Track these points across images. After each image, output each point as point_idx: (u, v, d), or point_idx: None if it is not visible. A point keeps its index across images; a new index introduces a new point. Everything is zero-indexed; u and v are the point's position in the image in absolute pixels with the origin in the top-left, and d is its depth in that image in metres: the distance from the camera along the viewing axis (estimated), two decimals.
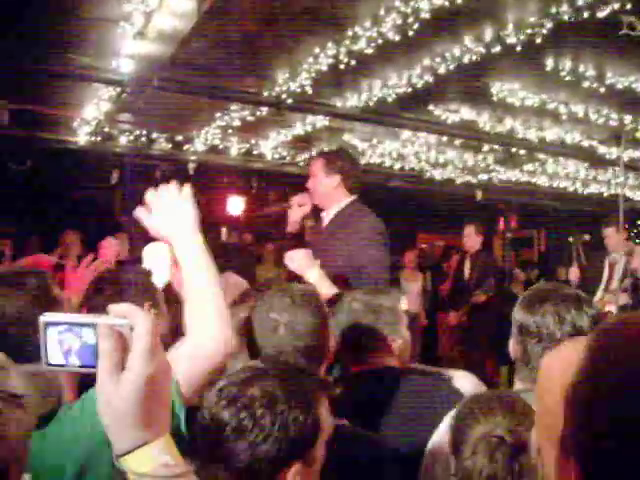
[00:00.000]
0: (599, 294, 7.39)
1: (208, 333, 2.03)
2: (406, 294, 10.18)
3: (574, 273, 8.45)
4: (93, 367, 1.11)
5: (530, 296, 2.57)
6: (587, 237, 8.11)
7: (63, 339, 1.11)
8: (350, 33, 5.35)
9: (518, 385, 2.56)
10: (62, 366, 1.13)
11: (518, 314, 2.53)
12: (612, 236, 7.41)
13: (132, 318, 1.11)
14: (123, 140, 8.69)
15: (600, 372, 1.04)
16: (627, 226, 7.87)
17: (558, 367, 1.82)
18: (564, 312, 2.45)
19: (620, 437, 0.97)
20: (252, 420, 1.63)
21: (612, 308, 6.96)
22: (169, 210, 2.20)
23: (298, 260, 3.58)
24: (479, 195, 11.65)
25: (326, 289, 3.42)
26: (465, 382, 3.15)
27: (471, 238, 8.96)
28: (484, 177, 11.04)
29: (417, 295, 11.04)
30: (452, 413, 2.25)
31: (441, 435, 2.39)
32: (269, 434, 1.63)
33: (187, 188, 2.24)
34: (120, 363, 1.10)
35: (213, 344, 2.02)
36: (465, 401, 2.14)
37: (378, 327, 2.93)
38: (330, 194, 4.44)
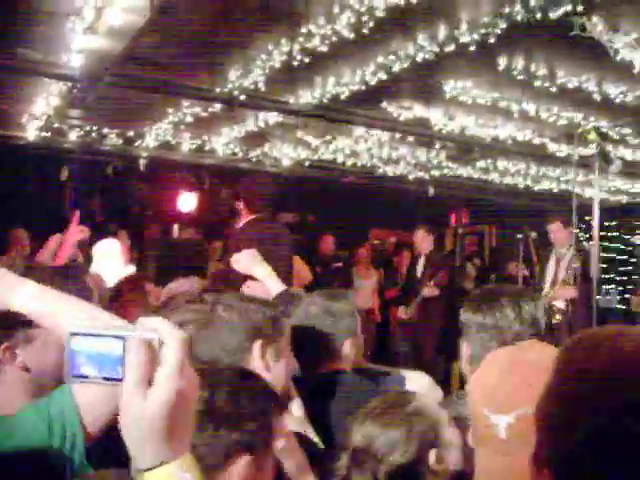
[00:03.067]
0: (546, 289, 7.48)
1: None
2: (359, 290, 10.27)
3: (521, 269, 8.56)
4: (119, 380, 1.08)
5: (482, 294, 2.58)
6: (534, 234, 8.19)
7: (89, 350, 1.09)
8: (304, 30, 5.32)
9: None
10: (86, 377, 1.09)
11: (473, 314, 2.53)
12: (558, 231, 7.51)
13: (163, 332, 1.09)
14: (73, 136, 8.57)
15: (571, 389, 1.05)
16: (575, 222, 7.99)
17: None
18: (518, 309, 2.46)
19: (595, 451, 0.97)
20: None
21: (559, 303, 7.06)
22: None
23: (244, 260, 3.55)
24: (431, 191, 11.70)
25: (275, 286, 3.40)
26: (419, 383, 3.14)
27: (424, 241, 9.01)
28: (436, 173, 11.08)
29: (371, 291, 11.07)
30: None
31: None
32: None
33: None
34: (148, 377, 1.07)
35: None
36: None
37: (335, 331, 2.91)
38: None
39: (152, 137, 8.75)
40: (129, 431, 1.08)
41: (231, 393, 1.63)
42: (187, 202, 10.28)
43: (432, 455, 1.93)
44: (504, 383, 1.68)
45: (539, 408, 1.10)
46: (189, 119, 7.80)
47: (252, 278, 3.55)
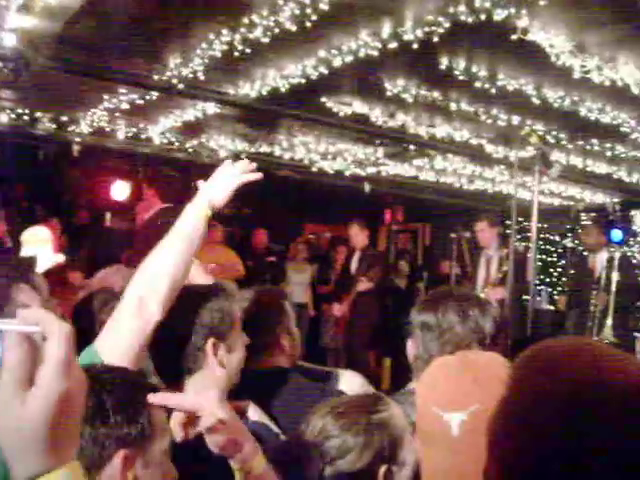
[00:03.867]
0: (478, 290, 7.57)
1: None
2: (293, 285, 10.27)
3: (454, 268, 8.65)
4: None
5: (432, 296, 2.61)
6: (468, 234, 8.27)
7: None
8: (246, 21, 5.24)
9: (414, 384, 2.55)
10: None
11: (418, 313, 2.56)
12: (484, 230, 7.60)
13: (45, 325, 0.96)
14: (4, 118, 8.32)
15: (523, 407, 1.03)
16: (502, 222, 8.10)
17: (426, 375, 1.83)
18: (466, 309, 2.49)
19: (547, 472, 0.95)
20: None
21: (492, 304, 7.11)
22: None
23: None
24: (367, 188, 11.71)
25: (203, 280, 3.39)
26: (352, 382, 3.14)
27: (357, 236, 9.06)
28: (373, 170, 11.08)
29: (305, 286, 11.08)
30: None
31: None
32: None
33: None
34: (28, 377, 0.94)
35: None
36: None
37: (269, 326, 2.90)
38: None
39: (87, 123, 8.56)
40: (7, 438, 0.95)
41: (93, 389, 1.53)
42: (121, 191, 10.13)
43: (382, 470, 1.90)
44: (455, 382, 1.68)
45: (492, 426, 1.07)
46: (125, 106, 7.65)
47: None
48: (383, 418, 1.96)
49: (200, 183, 2.46)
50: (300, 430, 1.97)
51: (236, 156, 10.10)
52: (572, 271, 9.12)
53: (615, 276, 7.57)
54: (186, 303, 2.39)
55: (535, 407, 0.98)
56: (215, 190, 2.46)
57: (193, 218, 2.39)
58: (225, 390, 2.47)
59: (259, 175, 2.55)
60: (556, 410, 0.95)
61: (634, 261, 13.16)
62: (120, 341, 2.14)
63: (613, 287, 7.54)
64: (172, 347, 2.37)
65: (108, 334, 2.18)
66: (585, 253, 8.87)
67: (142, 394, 1.63)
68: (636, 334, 8.95)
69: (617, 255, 7.81)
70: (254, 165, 2.53)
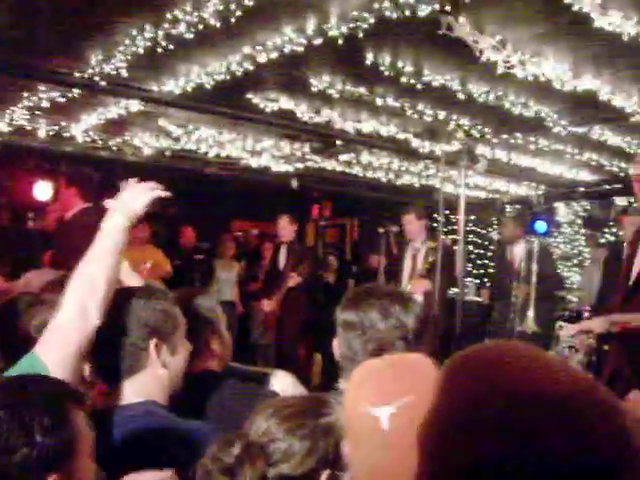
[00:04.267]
0: (404, 283, 7.62)
1: None
2: (222, 283, 10.19)
3: (382, 262, 8.69)
4: None
5: (354, 294, 2.59)
6: (395, 228, 8.31)
7: None
8: (170, 16, 5.14)
9: (343, 384, 2.53)
10: None
11: (341, 312, 2.54)
12: (411, 222, 7.66)
13: None
14: None
15: (450, 415, 1.01)
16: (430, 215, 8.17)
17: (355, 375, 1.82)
18: (388, 306, 2.46)
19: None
20: None
21: (417, 297, 7.19)
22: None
23: None
24: (294, 184, 11.68)
25: (132, 281, 3.37)
26: (283, 382, 3.14)
27: (286, 229, 9.03)
28: (300, 166, 11.06)
29: (233, 283, 11.03)
30: None
31: None
32: (8, 441, 1.50)
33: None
34: None
35: None
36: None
37: (198, 330, 2.85)
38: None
39: (5, 121, 8.35)
40: None
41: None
42: (43, 190, 9.91)
43: (324, 475, 1.87)
44: (383, 379, 1.67)
45: (423, 434, 1.05)
46: (45, 104, 7.47)
47: None
48: (329, 422, 1.94)
49: (123, 183, 2.53)
50: (244, 429, 1.93)
51: (161, 153, 9.98)
52: (493, 263, 9.24)
53: (534, 267, 7.69)
54: (128, 303, 2.40)
55: (470, 415, 0.97)
56: (130, 201, 2.54)
57: (114, 233, 2.45)
58: (167, 392, 2.45)
59: (167, 193, 2.68)
60: (491, 418, 0.94)
61: (558, 251, 13.46)
62: (63, 347, 2.17)
63: (533, 278, 7.66)
64: (112, 347, 2.37)
65: (50, 340, 2.20)
66: (502, 244, 8.98)
67: (65, 404, 1.61)
68: (561, 323, 9.11)
69: (536, 246, 7.93)
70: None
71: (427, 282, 7.27)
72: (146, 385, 2.39)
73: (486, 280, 11.42)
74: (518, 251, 8.16)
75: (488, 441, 0.93)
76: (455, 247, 7.68)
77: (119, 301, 2.38)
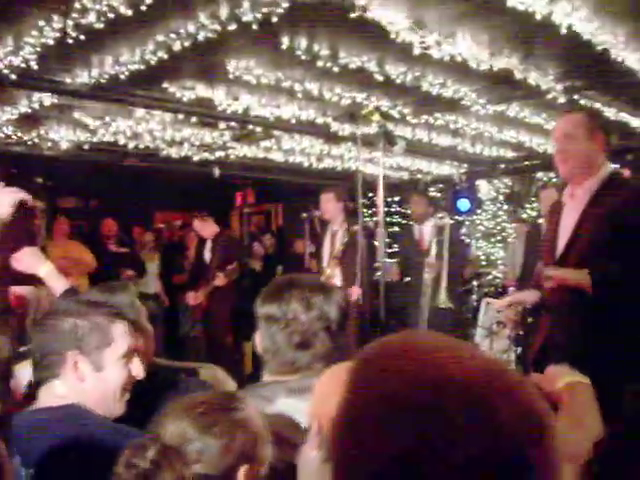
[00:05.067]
0: (325, 265, 7.65)
1: None
2: (146, 275, 10.06)
3: (308, 247, 8.69)
4: None
5: (274, 285, 2.56)
6: (319, 213, 8.30)
7: None
8: (78, 5, 5.01)
9: (267, 377, 2.50)
10: None
11: (262, 305, 2.49)
12: (329, 201, 7.68)
13: None
14: None
15: (357, 410, 1.00)
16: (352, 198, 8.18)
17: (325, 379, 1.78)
18: (310, 296, 2.43)
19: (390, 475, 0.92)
20: None
21: (338, 281, 7.24)
22: None
23: (26, 259, 3.38)
24: (216, 172, 11.59)
25: (59, 284, 3.31)
26: (212, 376, 3.12)
27: (203, 229, 8.97)
28: (221, 154, 10.97)
29: (156, 275, 10.92)
30: None
31: None
32: None
33: None
34: None
35: None
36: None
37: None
38: None
39: None
40: None
41: None
42: None
43: (242, 471, 1.83)
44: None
45: (333, 427, 1.04)
46: None
47: (33, 277, 3.44)
48: (243, 417, 1.90)
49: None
50: (156, 434, 1.87)
51: (79, 147, 9.79)
52: (402, 242, 9.27)
53: (446, 244, 7.79)
54: (59, 312, 2.36)
55: (377, 405, 0.96)
56: None
57: None
58: (98, 407, 2.36)
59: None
60: (399, 406, 0.94)
61: (481, 228, 13.66)
62: None
63: (445, 255, 7.75)
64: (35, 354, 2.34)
65: None
66: (411, 223, 8.98)
67: None
68: (488, 299, 9.24)
69: (447, 223, 8.03)
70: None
71: (356, 290, 7.39)
72: (57, 394, 2.30)
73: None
74: (427, 229, 8.20)
75: (397, 430, 0.92)
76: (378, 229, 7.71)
77: (53, 309, 2.38)
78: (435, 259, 7.82)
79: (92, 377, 2.32)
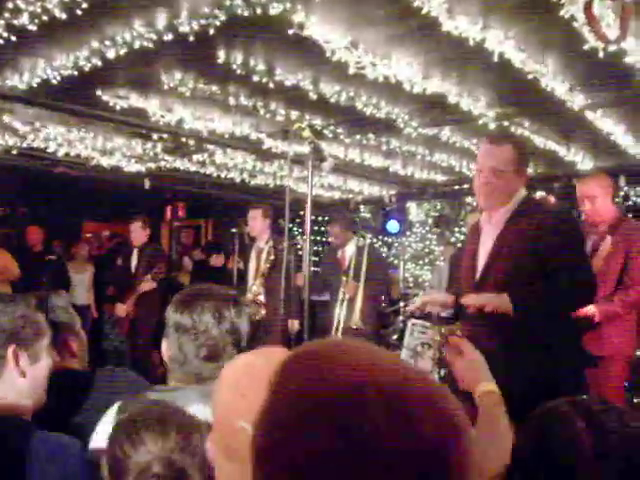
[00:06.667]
0: (250, 282, 7.65)
1: None
2: (76, 286, 9.95)
3: (236, 263, 8.68)
4: None
5: (186, 295, 2.57)
6: (247, 229, 8.29)
7: None
8: (11, 5, 4.92)
9: (173, 383, 2.51)
10: None
11: (173, 313, 2.50)
12: (256, 218, 7.72)
13: None
14: None
15: (278, 411, 1.01)
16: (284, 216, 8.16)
17: (230, 379, 1.76)
18: (222, 309, 2.46)
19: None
20: None
21: (261, 297, 7.25)
22: None
23: None
24: (147, 184, 11.49)
25: None
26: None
27: (138, 233, 8.89)
28: (152, 165, 10.88)
29: (87, 287, 10.78)
30: (110, 423, 2.16)
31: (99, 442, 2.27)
32: None
33: None
34: None
35: None
36: (121, 420, 2.04)
37: (56, 329, 2.78)
38: None
39: None
40: None
41: None
42: None
43: None
44: (260, 385, 1.61)
45: (253, 430, 1.04)
46: None
47: None
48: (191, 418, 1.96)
49: None
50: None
51: (7, 151, 9.62)
52: (324, 260, 9.26)
53: (364, 265, 7.79)
54: None
55: (297, 409, 0.97)
56: None
57: None
58: (29, 402, 2.35)
59: None
60: (317, 411, 0.95)
61: (410, 250, 13.78)
62: None
63: (362, 276, 7.76)
64: None
65: None
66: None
67: None
68: (413, 320, 9.30)
69: (366, 244, 8.05)
70: None
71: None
72: (4, 393, 2.27)
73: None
74: (349, 249, 8.19)
75: (314, 434, 0.93)
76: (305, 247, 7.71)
77: None
78: (352, 279, 7.80)
79: (29, 370, 2.31)
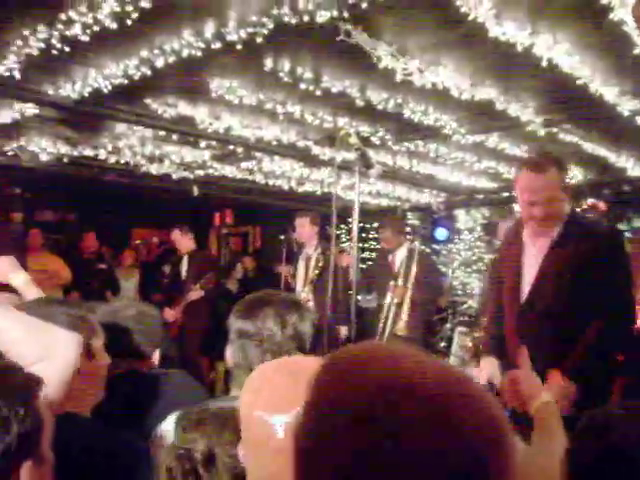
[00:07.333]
0: (299, 289, 7.67)
1: None
2: (123, 292, 10.05)
3: (285, 270, 8.70)
4: None
5: (250, 301, 2.57)
6: (295, 236, 8.33)
7: None
8: (64, 17, 5.02)
9: (235, 392, 2.53)
10: None
11: (237, 320, 2.52)
12: (304, 225, 7.73)
13: None
14: None
15: (323, 412, 1.02)
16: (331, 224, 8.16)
17: (249, 382, 1.82)
18: (285, 315, 2.46)
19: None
20: None
21: (311, 303, 7.26)
22: None
23: (1, 268, 3.40)
24: (196, 191, 11.59)
25: (33, 294, 3.34)
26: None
27: (180, 241, 9.00)
28: (201, 173, 10.97)
29: (134, 293, 10.90)
30: (169, 430, 2.20)
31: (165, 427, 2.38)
32: None
33: None
34: None
35: None
36: (179, 415, 2.09)
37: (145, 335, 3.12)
38: None
39: None
40: None
41: None
42: None
43: None
44: (279, 385, 1.67)
45: (296, 431, 1.06)
46: None
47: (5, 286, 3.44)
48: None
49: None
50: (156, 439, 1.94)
51: (59, 159, 9.77)
52: (373, 264, 9.22)
53: (413, 270, 7.74)
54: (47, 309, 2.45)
55: (342, 411, 0.98)
56: None
57: None
58: (89, 400, 2.46)
59: None
60: (362, 413, 0.96)
61: (458, 258, 13.71)
62: None
63: (410, 281, 7.71)
64: None
65: None
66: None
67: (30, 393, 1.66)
68: (460, 328, 9.27)
69: (417, 248, 7.99)
70: None
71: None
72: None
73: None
74: (399, 254, 8.14)
75: (360, 436, 0.94)
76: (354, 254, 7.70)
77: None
78: (402, 284, 7.76)
79: (86, 368, 2.39)
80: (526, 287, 3.91)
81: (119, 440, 2.30)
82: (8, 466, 1.56)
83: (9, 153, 9.48)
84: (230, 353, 2.55)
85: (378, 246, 13.93)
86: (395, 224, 8.38)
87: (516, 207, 12.56)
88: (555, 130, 7.57)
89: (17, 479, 1.58)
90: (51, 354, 2.10)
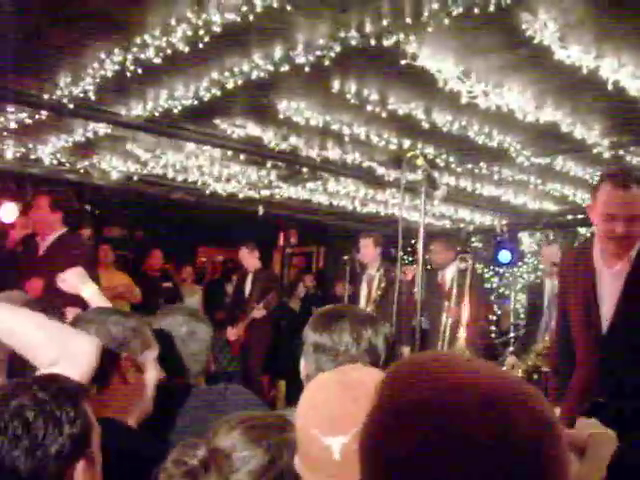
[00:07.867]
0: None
1: None
2: None
3: (347, 289, 8.73)
4: None
5: (325, 315, 2.57)
6: (359, 256, 8.36)
7: None
8: (138, 41, 5.20)
9: None
10: None
11: (313, 333, 2.51)
12: (368, 246, 7.77)
13: None
14: None
15: (385, 416, 1.06)
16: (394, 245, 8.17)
17: (306, 393, 1.83)
18: (360, 330, 2.46)
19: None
20: (25, 426, 1.63)
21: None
22: None
23: (71, 279, 3.50)
24: (261, 210, 11.71)
25: (102, 304, 3.42)
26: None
27: (247, 259, 9.10)
28: (266, 193, 11.10)
29: (199, 309, 10.98)
30: None
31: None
32: (45, 435, 1.64)
33: None
34: None
35: None
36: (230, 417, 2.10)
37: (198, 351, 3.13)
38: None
39: None
40: None
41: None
42: (9, 212, 9.85)
43: None
44: (335, 402, 1.66)
45: (361, 433, 1.11)
46: (13, 125, 7.47)
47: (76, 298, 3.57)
48: (292, 438, 1.95)
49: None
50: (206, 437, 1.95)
51: (128, 177, 9.98)
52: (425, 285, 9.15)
53: (467, 289, 7.69)
54: (99, 319, 2.53)
55: (403, 415, 1.03)
56: None
57: None
58: (138, 411, 2.52)
59: None
60: (423, 415, 1.01)
61: (522, 281, 13.56)
62: None
63: (465, 300, 7.66)
64: None
65: None
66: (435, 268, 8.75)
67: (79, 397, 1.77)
68: (511, 348, 9.19)
69: (469, 268, 7.91)
70: None
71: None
72: (110, 399, 2.43)
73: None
74: (449, 274, 8.10)
75: (418, 437, 0.99)
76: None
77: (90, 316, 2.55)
78: (455, 304, 7.72)
79: (136, 379, 2.50)
80: (605, 317, 3.68)
81: (158, 448, 2.33)
82: (61, 466, 1.65)
83: (81, 170, 9.71)
84: (304, 365, 2.56)
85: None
86: (444, 239, 8.36)
87: (582, 230, 12.43)
88: (621, 152, 7.51)
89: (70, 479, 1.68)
90: (68, 357, 2.18)
